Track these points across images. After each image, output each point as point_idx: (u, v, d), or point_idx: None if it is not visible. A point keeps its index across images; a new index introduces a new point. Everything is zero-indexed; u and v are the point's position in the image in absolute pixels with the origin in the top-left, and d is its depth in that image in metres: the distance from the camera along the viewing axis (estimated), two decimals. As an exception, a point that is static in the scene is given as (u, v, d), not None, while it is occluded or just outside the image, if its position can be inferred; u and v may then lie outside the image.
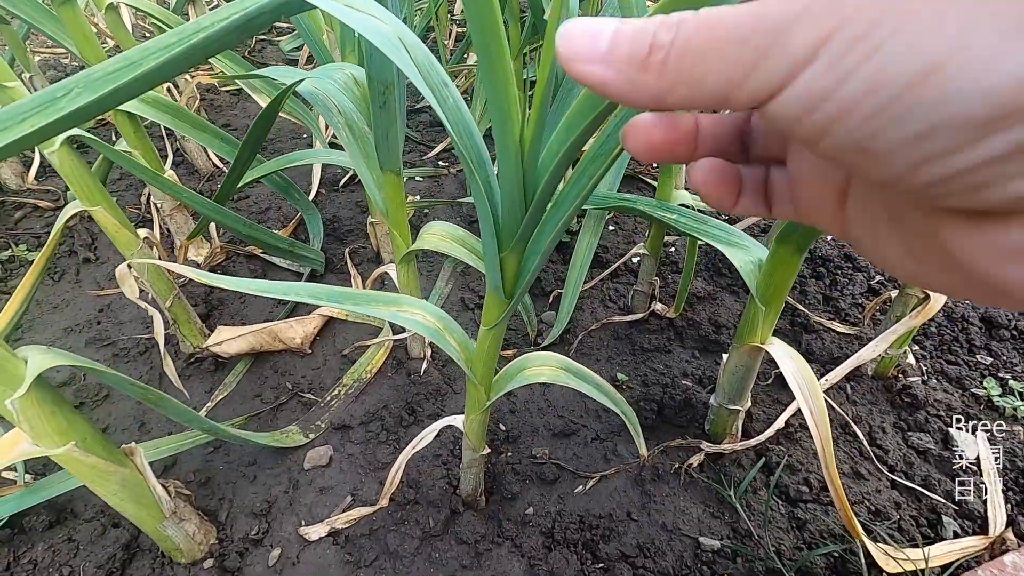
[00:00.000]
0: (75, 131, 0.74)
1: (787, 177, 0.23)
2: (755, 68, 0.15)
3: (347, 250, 1.15)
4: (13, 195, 1.31)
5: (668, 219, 0.80)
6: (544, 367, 0.60)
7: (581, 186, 0.39)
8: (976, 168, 0.14)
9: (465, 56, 1.70)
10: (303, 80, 0.71)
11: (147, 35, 2.14)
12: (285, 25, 2.31)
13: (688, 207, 0.83)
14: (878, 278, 1.11)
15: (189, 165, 1.45)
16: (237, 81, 1.35)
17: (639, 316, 1.00)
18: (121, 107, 0.93)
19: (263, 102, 1.22)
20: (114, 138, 1.53)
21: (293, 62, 2.00)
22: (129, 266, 0.76)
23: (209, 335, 0.97)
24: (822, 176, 0.21)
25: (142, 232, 0.85)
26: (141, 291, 1.02)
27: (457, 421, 0.66)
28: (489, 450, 0.68)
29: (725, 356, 0.77)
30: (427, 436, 0.68)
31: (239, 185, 1.03)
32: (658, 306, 1.00)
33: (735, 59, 0.16)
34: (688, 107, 0.17)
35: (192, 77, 1.11)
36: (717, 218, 0.75)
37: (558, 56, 0.18)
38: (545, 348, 0.97)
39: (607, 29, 0.18)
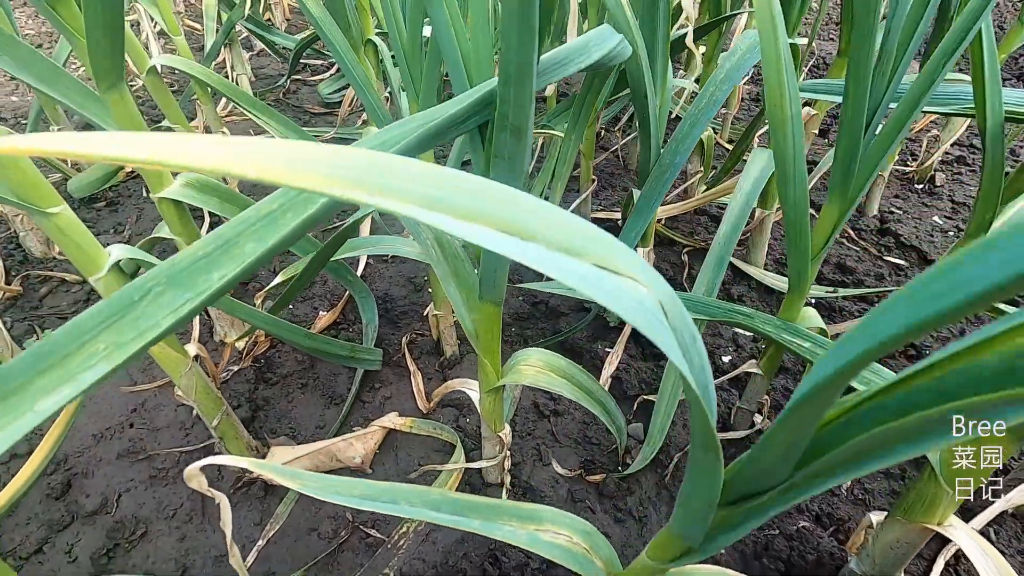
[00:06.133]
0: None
1: None
2: None
3: (404, 340, 1.04)
4: (38, 264, 1.21)
5: (799, 347, 0.69)
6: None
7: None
8: None
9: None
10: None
11: (181, 87, 2.06)
12: (319, 62, 2.20)
13: (824, 332, 0.72)
14: None
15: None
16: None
17: (741, 434, 0.88)
18: (165, 194, 0.83)
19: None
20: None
21: (334, 106, 1.90)
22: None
23: (255, 446, 0.86)
24: None
25: (191, 348, 0.74)
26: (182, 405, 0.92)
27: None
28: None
29: (875, 520, 0.65)
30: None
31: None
32: (765, 423, 0.88)
33: None
34: None
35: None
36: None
37: None
38: (634, 474, 0.85)
39: None
